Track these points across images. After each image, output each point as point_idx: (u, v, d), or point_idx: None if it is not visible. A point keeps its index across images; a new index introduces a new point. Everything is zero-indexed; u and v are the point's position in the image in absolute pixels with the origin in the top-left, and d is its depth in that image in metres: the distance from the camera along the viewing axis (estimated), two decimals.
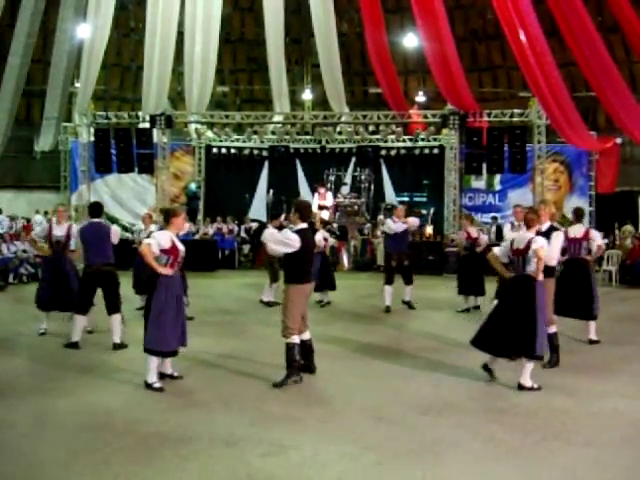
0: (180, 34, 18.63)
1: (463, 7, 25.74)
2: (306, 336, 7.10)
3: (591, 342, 8.78)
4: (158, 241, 6.45)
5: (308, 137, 22.61)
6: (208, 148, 22.96)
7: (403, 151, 22.20)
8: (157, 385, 6.46)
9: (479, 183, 22.94)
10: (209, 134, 22.67)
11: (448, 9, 17.48)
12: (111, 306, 8.32)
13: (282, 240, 6.78)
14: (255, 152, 22.83)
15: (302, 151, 22.86)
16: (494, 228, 18.60)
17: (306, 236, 6.88)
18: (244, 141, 22.63)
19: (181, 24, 18.54)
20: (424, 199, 21.44)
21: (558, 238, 7.60)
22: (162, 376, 6.65)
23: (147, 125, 19.29)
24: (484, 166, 18.22)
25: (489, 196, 23.00)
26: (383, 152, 22.17)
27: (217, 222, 20.50)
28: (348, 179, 21.20)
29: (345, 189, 20.67)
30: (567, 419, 5.77)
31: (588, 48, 15.03)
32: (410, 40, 22.42)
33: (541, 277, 6.62)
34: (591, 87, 16.88)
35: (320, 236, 10.91)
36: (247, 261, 19.31)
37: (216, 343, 8.77)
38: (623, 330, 9.73)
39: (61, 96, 21.44)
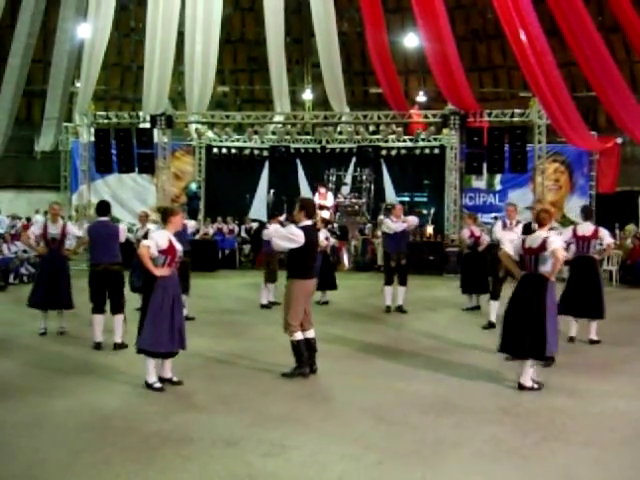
0: (180, 34, 18.62)
1: (464, 7, 25.72)
2: (310, 334, 7.14)
3: (591, 342, 8.79)
4: (156, 242, 6.42)
5: (308, 137, 22.60)
6: (209, 148, 22.95)
7: (403, 151, 22.18)
8: (157, 385, 6.45)
9: (480, 183, 22.94)
10: (209, 134, 22.65)
11: (448, 9, 17.46)
12: (115, 306, 8.33)
13: (287, 235, 6.93)
14: (256, 152, 22.81)
15: (302, 151, 22.85)
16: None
17: (310, 232, 7.01)
18: (245, 141, 22.62)
19: (181, 24, 18.52)
20: (425, 199, 21.42)
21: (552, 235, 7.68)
22: (162, 380, 6.60)
23: (148, 125, 19.28)
24: (485, 166, 18.20)
25: (490, 196, 23.01)
26: (383, 152, 22.15)
27: (217, 222, 20.51)
28: (348, 179, 21.19)
29: (345, 189, 20.66)
30: (567, 419, 5.77)
31: (589, 48, 15.01)
32: (411, 40, 22.41)
33: (553, 278, 6.55)
34: (592, 87, 16.85)
35: (322, 236, 10.91)
36: (247, 261, 19.31)
37: (216, 343, 8.77)
38: (623, 330, 9.73)
39: (62, 96, 21.42)
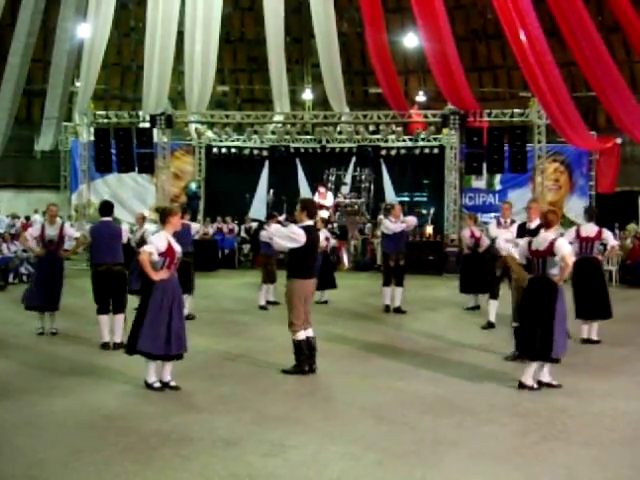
0: (180, 33, 18.63)
1: (463, 7, 25.73)
2: (310, 333, 7.18)
3: (592, 342, 8.79)
4: (156, 246, 6.33)
5: (308, 137, 22.61)
6: (208, 148, 22.95)
7: (403, 151, 22.19)
8: (157, 385, 6.41)
9: (479, 183, 22.94)
10: (209, 134, 22.66)
11: (448, 9, 17.48)
12: (117, 306, 8.33)
13: (288, 235, 6.96)
14: (255, 152, 22.82)
15: (302, 151, 22.85)
16: None
17: (311, 232, 7.06)
18: (244, 141, 22.62)
19: (181, 23, 18.53)
20: (424, 199, 21.41)
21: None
22: (162, 384, 6.53)
23: (147, 125, 19.28)
24: (484, 166, 18.22)
25: (489, 196, 23.01)
26: (383, 152, 22.16)
27: (217, 222, 20.51)
28: (348, 179, 21.18)
29: (345, 189, 20.65)
30: (567, 419, 5.77)
31: (588, 48, 15.02)
32: (410, 40, 22.41)
33: (562, 282, 6.47)
34: (591, 87, 16.87)
35: (322, 236, 10.90)
36: (247, 261, 19.30)
37: (216, 343, 8.78)
38: (623, 330, 9.72)
39: (61, 95, 21.43)
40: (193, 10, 18.22)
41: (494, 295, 9.94)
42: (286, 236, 6.99)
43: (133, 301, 10.61)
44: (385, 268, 11.63)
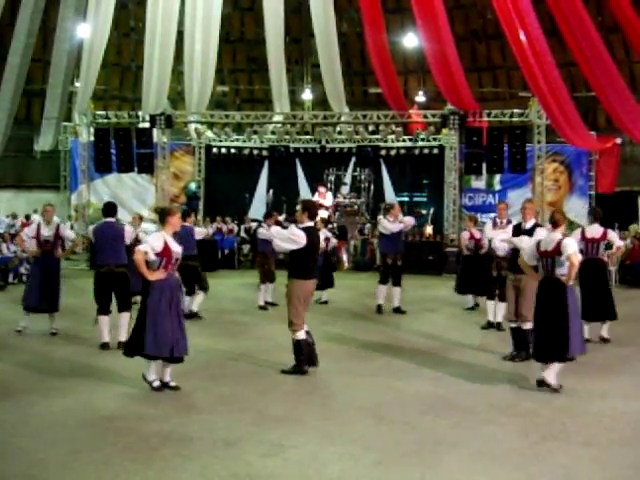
0: (180, 33, 18.64)
1: (463, 7, 25.74)
2: (305, 328, 7.21)
3: (604, 340, 8.90)
4: (151, 246, 6.28)
5: (308, 137, 22.61)
6: (208, 148, 22.96)
7: (403, 151, 22.20)
8: (156, 384, 6.38)
9: (479, 183, 22.94)
10: (209, 134, 22.67)
11: (448, 9, 17.48)
12: (122, 305, 8.32)
13: (289, 237, 7.00)
14: (255, 152, 22.83)
15: (302, 151, 22.86)
16: None
17: (312, 233, 7.11)
18: (244, 141, 22.63)
19: (181, 23, 18.54)
20: (424, 199, 21.42)
21: (541, 234, 7.68)
22: (162, 384, 6.51)
23: (147, 125, 19.29)
24: (484, 166, 18.22)
25: (489, 196, 23.01)
26: (383, 152, 22.17)
27: (217, 222, 20.50)
28: (348, 179, 21.18)
29: (345, 189, 20.65)
30: (566, 419, 5.77)
31: (588, 48, 15.03)
32: (410, 40, 22.41)
33: (572, 282, 6.44)
34: (591, 87, 16.88)
35: (322, 236, 10.89)
36: (247, 261, 19.29)
37: (215, 343, 8.78)
38: (623, 330, 9.71)
39: (61, 95, 21.45)
40: (193, 10, 18.23)
41: (491, 296, 9.95)
42: (287, 238, 7.03)
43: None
44: (383, 267, 11.59)
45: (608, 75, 15.26)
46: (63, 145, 23.67)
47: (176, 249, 6.45)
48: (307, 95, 26.51)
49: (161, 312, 6.27)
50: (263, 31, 20.01)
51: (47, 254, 9.05)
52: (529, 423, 5.66)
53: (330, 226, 16.68)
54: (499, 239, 8.54)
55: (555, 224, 6.64)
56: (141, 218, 11.63)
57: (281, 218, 16.69)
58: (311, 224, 7.20)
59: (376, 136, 21.72)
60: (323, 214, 16.17)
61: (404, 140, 22.10)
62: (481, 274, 10.91)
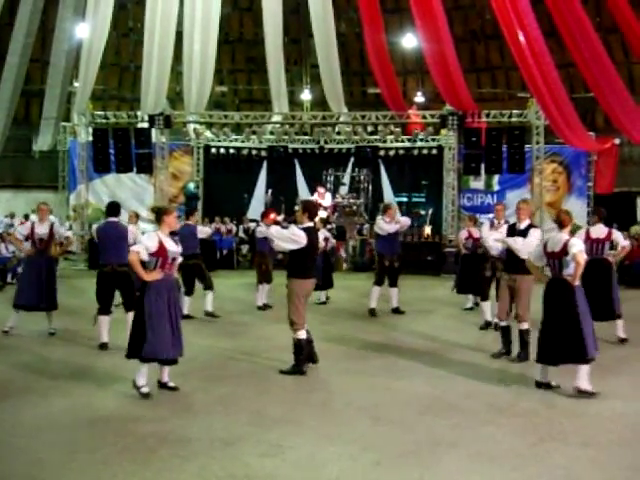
0: (179, 34, 18.63)
1: (462, 7, 25.74)
2: (305, 326, 7.27)
3: (621, 341, 8.90)
4: (145, 246, 6.21)
5: (307, 137, 22.60)
6: (207, 148, 22.95)
7: (402, 151, 22.21)
8: (144, 390, 6.20)
9: (477, 183, 22.92)
10: (208, 134, 22.66)
11: (447, 9, 17.46)
12: (128, 304, 8.31)
13: (289, 237, 7.07)
14: (254, 152, 22.82)
15: (301, 151, 22.85)
16: None
17: (312, 233, 7.19)
18: (243, 141, 22.62)
19: (180, 24, 18.53)
20: (422, 199, 21.38)
21: (536, 234, 7.79)
22: (160, 385, 6.51)
23: (146, 125, 19.27)
24: (482, 166, 18.21)
25: (487, 196, 22.99)
26: (382, 152, 22.17)
27: (216, 222, 20.49)
28: (347, 179, 21.20)
29: (344, 189, 20.67)
30: (565, 420, 5.77)
31: (587, 49, 15.03)
32: (409, 40, 22.40)
33: (578, 282, 6.40)
34: (590, 88, 16.87)
35: (321, 236, 10.89)
36: (246, 261, 19.29)
37: (214, 343, 8.78)
38: (607, 331, 9.72)
39: (60, 96, 21.41)
40: (192, 10, 18.23)
41: (484, 297, 9.96)
42: (287, 238, 7.10)
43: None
44: (379, 268, 11.37)
45: (607, 76, 15.27)
46: (62, 145, 23.62)
47: (172, 248, 6.35)
48: (306, 95, 26.51)
49: (158, 314, 6.19)
50: (262, 31, 20.00)
51: (41, 253, 9.04)
52: (528, 424, 5.67)
53: (329, 226, 16.68)
54: (492, 238, 8.57)
55: (561, 224, 6.61)
56: (137, 216, 11.59)
57: (280, 218, 16.69)
58: (311, 224, 7.28)
59: (375, 136, 21.73)
60: (322, 214, 16.18)
61: (403, 140, 22.10)
62: (479, 274, 10.91)
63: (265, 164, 22.88)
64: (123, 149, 18.70)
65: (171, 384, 6.52)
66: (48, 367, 7.47)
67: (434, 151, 21.89)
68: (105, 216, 8.87)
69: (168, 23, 18.04)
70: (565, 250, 6.37)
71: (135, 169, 19.23)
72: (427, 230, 19.49)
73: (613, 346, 8.74)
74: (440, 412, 5.95)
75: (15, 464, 4.74)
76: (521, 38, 15.53)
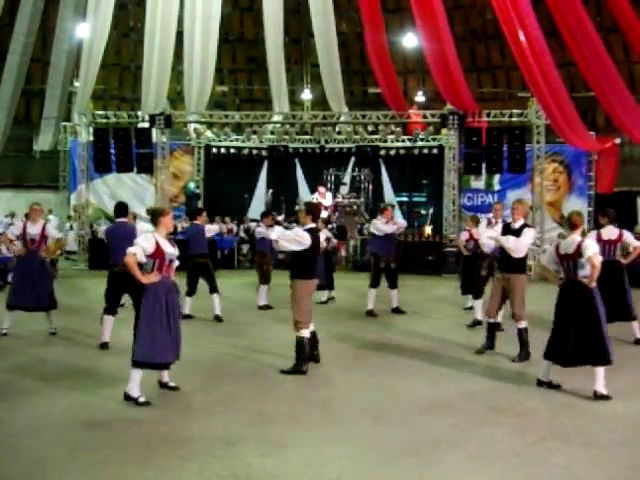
0: (179, 33, 18.64)
1: (462, 7, 25.73)
2: (311, 327, 7.37)
3: (638, 342, 8.91)
4: (142, 247, 6.08)
5: (307, 137, 22.59)
6: (207, 148, 22.95)
7: (402, 151, 22.20)
8: (142, 400, 6.01)
9: (478, 183, 22.91)
10: (208, 134, 22.65)
11: (447, 9, 17.48)
12: (138, 304, 8.30)
13: (294, 238, 7.18)
14: (254, 152, 22.82)
15: (301, 151, 22.84)
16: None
17: (315, 235, 7.31)
18: (243, 141, 22.61)
19: (180, 23, 18.54)
20: (423, 199, 21.40)
21: (529, 234, 7.87)
22: (160, 385, 6.49)
23: (146, 125, 19.27)
24: (483, 166, 18.21)
25: (488, 196, 22.97)
26: (382, 152, 22.16)
27: (216, 222, 20.46)
28: (347, 179, 21.19)
29: (344, 189, 20.66)
30: (566, 419, 5.78)
31: (587, 48, 15.02)
32: (409, 40, 22.40)
33: (594, 284, 6.36)
34: (590, 87, 16.88)
35: (322, 236, 10.87)
36: (246, 261, 19.28)
37: (215, 343, 8.78)
38: (623, 331, 9.71)
39: (60, 95, 21.45)
40: (192, 10, 18.24)
41: (478, 295, 9.95)
42: (292, 239, 7.20)
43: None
44: (375, 270, 11.23)
45: (607, 75, 15.26)
46: (62, 145, 23.64)
47: (169, 250, 6.23)
48: (306, 95, 26.50)
49: (155, 318, 6.07)
50: (262, 31, 20.02)
51: (32, 253, 9.00)
52: (528, 423, 5.67)
53: (330, 226, 16.68)
54: (486, 236, 8.60)
55: (573, 226, 6.56)
56: (135, 217, 11.59)
57: (280, 218, 16.69)
58: (314, 225, 7.38)
59: (375, 136, 21.72)
60: (323, 214, 16.18)
61: (403, 140, 22.10)
62: (475, 272, 10.89)
63: (266, 164, 22.88)
64: (124, 149, 18.70)
65: (172, 384, 6.51)
66: (48, 367, 7.47)
67: (435, 151, 21.87)
68: (114, 217, 8.86)
69: (169, 23, 18.05)
70: (579, 252, 6.33)
71: (136, 169, 19.23)
72: (428, 230, 19.49)
73: (614, 346, 8.70)
74: (441, 412, 5.95)
75: (16, 464, 4.74)
76: (522, 37, 15.53)
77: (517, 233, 7.81)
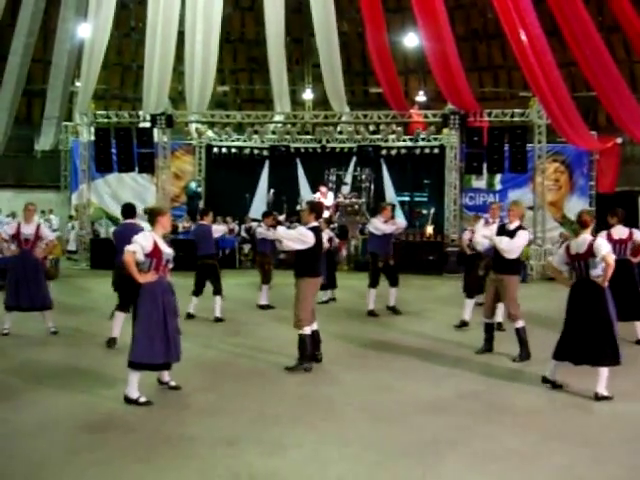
0: (181, 33, 18.64)
1: (464, 6, 25.74)
2: (314, 327, 7.47)
3: (638, 343, 8.83)
4: (141, 245, 6.04)
5: (309, 137, 22.59)
6: (209, 148, 22.95)
7: (403, 151, 22.17)
8: (142, 400, 6.01)
9: (479, 183, 22.90)
10: (210, 134, 22.65)
11: (449, 8, 17.48)
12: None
13: (298, 237, 7.24)
14: (256, 152, 22.81)
15: (302, 151, 22.84)
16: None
17: (318, 233, 7.39)
18: (245, 141, 22.61)
19: (182, 23, 18.55)
20: (424, 199, 21.39)
21: (523, 236, 7.90)
22: (160, 383, 6.49)
23: (148, 124, 19.28)
24: (484, 166, 18.20)
25: (489, 196, 22.95)
26: (383, 152, 22.14)
27: (217, 221, 20.46)
28: (348, 179, 21.18)
29: (345, 189, 20.65)
30: (566, 419, 5.78)
31: (588, 48, 15.02)
32: (411, 40, 22.41)
33: (606, 283, 6.34)
34: (591, 87, 16.87)
35: (325, 236, 10.87)
36: (247, 260, 19.29)
37: (216, 342, 8.79)
38: (623, 331, 9.69)
39: (62, 95, 21.47)
40: (193, 10, 18.24)
41: (471, 295, 9.94)
42: (296, 238, 7.26)
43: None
44: (373, 269, 11.20)
45: (609, 75, 15.26)
46: (64, 145, 23.66)
47: (167, 250, 6.21)
48: (308, 95, 26.51)
49: (152, 318, 6.03)
50: (264, 31, 20.01)
51: (26, 253, 8.99)
52: (529, 423, 5.67)
53: (331, 226, 16.68)
54: (481, 234, 8.61)
55: (584, 224, 6.54)
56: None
57: (281, 218, 16.69)
58: (317, 224, 7.44)
59: (377, 136, 21.71)
60: (325, 214, 16.18)
61: (405, 140, 22.08)
62: (472, 272, 10.87)
63: (267, 164, 22.87)
64: (125, 149, 18.71)
65: (173, 383, 6.51)
66: (49, 366, 7.47)
67: (436, 150, 21.86)
68: (122, 217, 8.86)
69: (170, 23, 18.06)
70: (591, 251, 6.30)
71: (137, 169, 19.24)
72: (429, 229, 19.49)
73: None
74: (441, 411, 5.96)
75: (16, 463, 4.75)
76: (523, 37, 15.53)
77: (511, 234, 7.87)
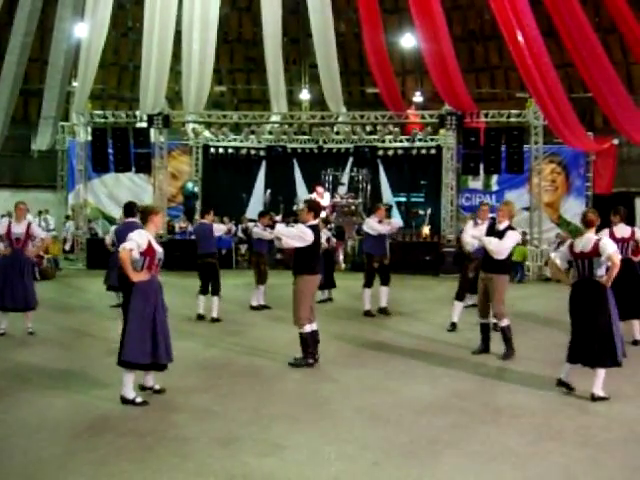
0: (178, 33, 18.62)
1: (461, 7, 25.74)
2: (314, 326, 7.56)
3: (636, 343, 8.80)
4: (137, 243, 6.00)
5: (305, 137, 22.60)
6: (205, 148, 22.93)
7: (400, 151, 22.20)
8: (139, 400, 6.02)
9: (476, 183, 22.94)
10: (206, 134, 22.64)
11: (446, 9, 17.49)
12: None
13: (298, 235, 7.37)
14: (252, 152, 22.81)
15: (299, 151, 22.83)
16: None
17: (317, 231, 7.52)
18: (241, 141, 22.60)
19: (179, 23, 18.53)
20: (421, 199, 21.39)
21: (512, 237, 7.90)
22: (143, 389, 6.35)
23: (144, 124, 19.26)
24: (481, 166, 18.23)
25: (486, 197, 22.93)
26: (380, 152, 22.16)
27: (214, 222, 20.44)
28: (345, 179, 21.20)
29: (342, 189, 20.66)
30: (563, 419, 5.78)
31: (585, 49, 15.05)
32: (408, 40, 22.39)
33: (610, 283, 6.31)
34: (588, 88, 16.90)
35: (324, 236, 10.88)
36: (244, 261, 19.28)
37: (213, 343, 8.78)
38: (624, 331, 9.73)
39: (59, 95, 21.41)
40: (190, 10, 18.22)
41: (460, 297, 9.91)
42: (296, 236, 7.39)
43: (110, 299, 10.68)
44: (368, 269, 11.20)
45: (605, 76, 15.29)
46: (60, 145, 23.62)
47: (159, 249, 6.20)
48: (305, 95, 26.50)
49: (144, 318, 6.01)
50: (261, 31, 20.00)
51: (17, 252, 8.95)
52: (526, 423, 5.68)
53: (328, 226, 16.68)
54: (469, 235, 8.62)
55: (589, 224, 6.51)
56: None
57: (278, 218, 16.68)
58: (315, 223, 7.53)
59: (374, 136, 21.73)
60: (322, 214, 16.16)
61: (401, 140, 22.10)
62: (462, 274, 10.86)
63: (264, 164, 22.87)
64: (122, 149, 18.69)
65: (157, 387, 6.38)
66: (45, 366, 7.46)
67: (433, 151, 21.88)
68: (123, 217, 8.84)
69: (167, 23, 18.03)
70: (596, 250, 6.26)
71: (134, 169, 19.23)
72: (425, 230, 19.52)
73: None
74: (438, 411, 5.96)
75: (13, 463, 4.74)
76: (520, 38, 15.56)
77: (501, 235, 7.86)
